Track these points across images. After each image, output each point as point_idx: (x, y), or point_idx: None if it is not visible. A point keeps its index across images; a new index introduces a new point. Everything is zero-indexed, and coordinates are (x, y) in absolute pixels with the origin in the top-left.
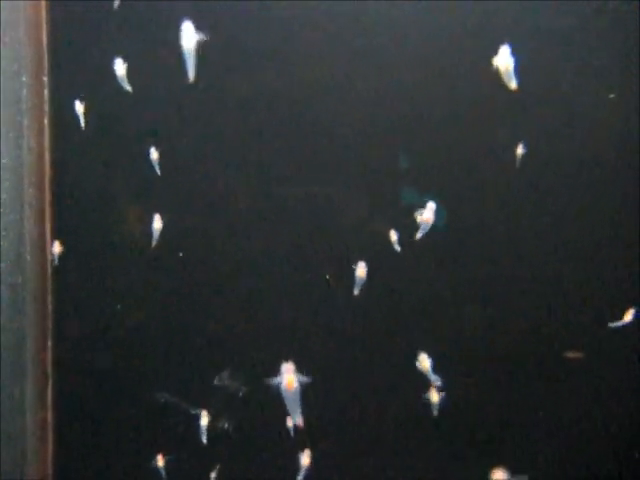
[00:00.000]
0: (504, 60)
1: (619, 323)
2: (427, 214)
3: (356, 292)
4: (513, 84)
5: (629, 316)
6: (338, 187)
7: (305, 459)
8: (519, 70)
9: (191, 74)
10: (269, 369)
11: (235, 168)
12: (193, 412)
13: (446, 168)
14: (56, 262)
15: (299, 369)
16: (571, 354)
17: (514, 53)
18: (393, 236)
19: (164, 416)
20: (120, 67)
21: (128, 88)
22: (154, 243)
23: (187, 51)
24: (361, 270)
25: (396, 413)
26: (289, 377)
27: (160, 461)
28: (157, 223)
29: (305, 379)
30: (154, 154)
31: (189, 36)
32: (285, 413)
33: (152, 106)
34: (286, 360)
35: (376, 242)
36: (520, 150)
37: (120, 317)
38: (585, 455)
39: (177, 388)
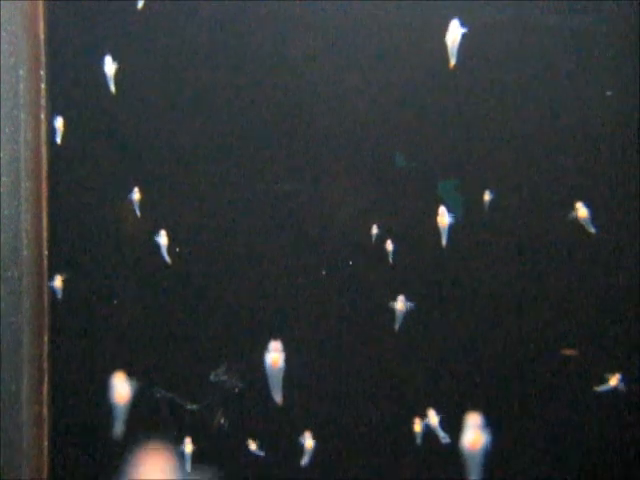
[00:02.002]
0: (452, 35)
1: (604, 388)
2: (442, 218)
3: (397, 328)
4: (452, 61)
5: (614, 381)
6: (335, 185)
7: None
8: (519, 70)
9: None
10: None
11: (232, 166)
12: (189, 408)
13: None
14: (59, 297)
15: (296, 364)
16: (566, 351)
17: (514, 54)
18: (389, 246)
19: (160, 411)
20: (109, 67)
21: (112, 89)
22: (164, 259)
23: None
24: (401, 304)
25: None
26: (275, 355)
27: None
28: (163, 239)
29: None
30: (136, 194)
31: None
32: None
33: (149, 102)
34: (275, 339)
35: (373, 240)
36: (487, 197)
37: (116, 312)
38: (584, 456)
39: (173, 384)
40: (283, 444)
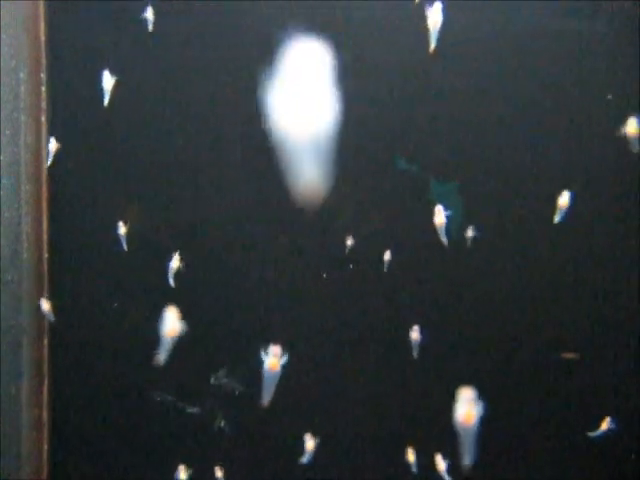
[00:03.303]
0: (434, 17)
1: (597, 433)
2: (438, 218)
3: (415, 355)
4: (432, 45)
5: (605, 425)
6: (335, 187)
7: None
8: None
9: None
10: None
11: (230, 170)
12: (189, 411)
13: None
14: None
15: (296, 368)
16: (566, 354)
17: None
18: (387, 256)
19: (160, 415)
20: (108, 81)
21: (105, 102)
22: (170, 280)
23: None
24: (415, 334)
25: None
26: (273, 360)
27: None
28: (175, 262)
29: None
30: (122, 229)
31: None
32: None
33: (149, 103)
34: (275, 343)
35: (372, 243)
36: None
37: (116, 316)
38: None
39: (173, 387)
40: (281, 447)
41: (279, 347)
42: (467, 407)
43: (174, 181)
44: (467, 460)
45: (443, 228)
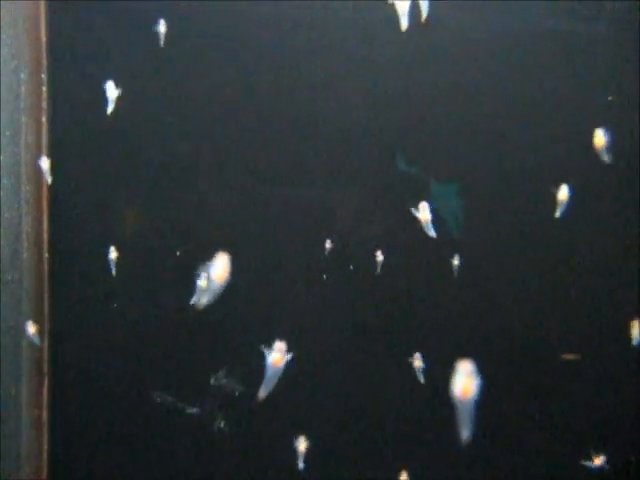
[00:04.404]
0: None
1: (589, 464)
2: (423, 213)
3: (422, 381)
4: (404, 25)
5: (599, 461)
6: (334, 188)
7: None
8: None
9: None
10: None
11: (231, 172)
12: (189, 412)
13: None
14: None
15: (296, 367)
16: (568, 356)
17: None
18: (379, 257)
19: (160, 415)
20: (112, 91)
21: (109, 111)
22: (202, 300)
23: None
24: (418, 362)
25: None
26: (278, 355)
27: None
28: (204, 282)
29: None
30: (113, 253)
31: None
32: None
33: (149, 104)
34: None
35: (373, 243)
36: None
37: (116, 316)
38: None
39: (173, 387)
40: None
41: (284, 343)
42: (465, 380)
43: (174, 180)
44: (465, 434)
45: (429, 224)
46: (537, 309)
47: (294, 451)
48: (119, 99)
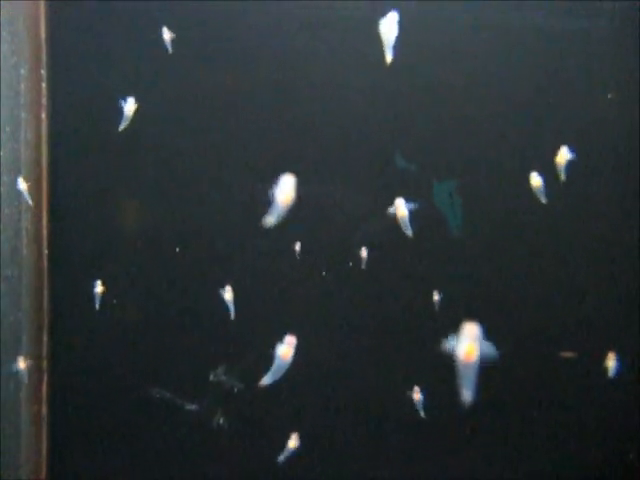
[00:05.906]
0: (388, 27)
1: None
2: (399, 210)
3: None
4: (389, 57)
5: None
6: (336, 185)
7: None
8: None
9: None
10: (264, 366)
11: (236, 167)
12: (188, 408)
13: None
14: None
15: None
16: (565, 353)
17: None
18: (363, 252)
19: (159, 411)
20: (130, 106)
21: (122, 127)
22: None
23: None
24: (417, 395)
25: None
26: (287, 349)
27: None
28: (228, 294)
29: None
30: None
31: None
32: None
33: (149, 100)
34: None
35: (373, 240)
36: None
37: (116, 312)
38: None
39: (172, 384)
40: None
41: (294, 337)
42: (469, 343)
43: (175, 178)
44: (467, 397)
45: (406, 220)
46: (535, 305)
47: (292, 447)
48: (119, 96)
